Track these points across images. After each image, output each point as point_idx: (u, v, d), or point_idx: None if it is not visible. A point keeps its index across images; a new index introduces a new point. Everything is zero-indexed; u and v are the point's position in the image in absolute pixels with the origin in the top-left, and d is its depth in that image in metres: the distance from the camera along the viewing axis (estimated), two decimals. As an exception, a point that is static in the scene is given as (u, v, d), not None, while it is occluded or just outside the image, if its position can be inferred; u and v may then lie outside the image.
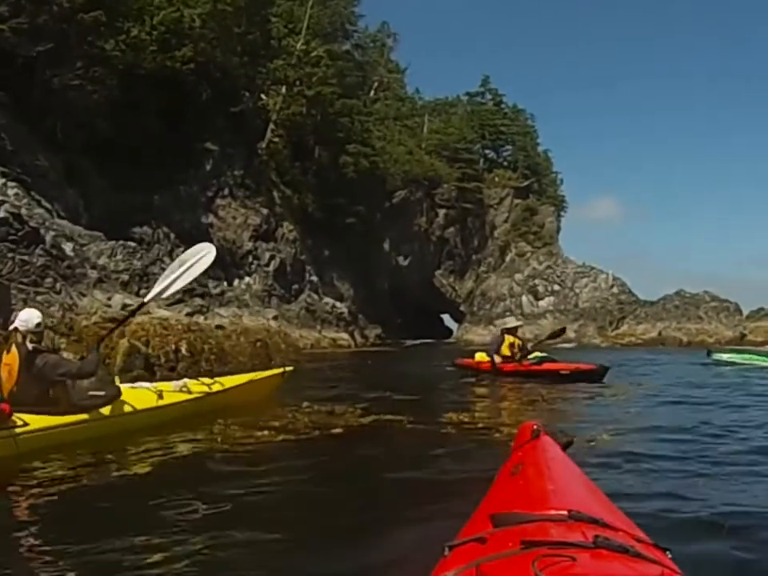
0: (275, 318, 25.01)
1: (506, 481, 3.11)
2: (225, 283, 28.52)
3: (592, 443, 7.03)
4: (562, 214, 67.33)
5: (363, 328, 44.55)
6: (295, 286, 37.88)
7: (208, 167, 33.07)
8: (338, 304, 41.03)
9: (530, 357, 15.80)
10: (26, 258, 14.93)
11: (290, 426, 7.94)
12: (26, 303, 14.45)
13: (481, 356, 16.72)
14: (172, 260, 26.39)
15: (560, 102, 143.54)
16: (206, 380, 9.15)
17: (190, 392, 8.48)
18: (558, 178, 69.55)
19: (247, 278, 33.57)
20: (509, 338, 15.93)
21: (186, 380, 8.75)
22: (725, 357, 23.06)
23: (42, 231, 16.25)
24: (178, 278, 8.33)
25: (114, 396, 7.51)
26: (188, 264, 8.41)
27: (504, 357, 15.79)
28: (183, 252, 26.24)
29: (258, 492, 5.24)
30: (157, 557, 3.84)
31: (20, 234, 15.12)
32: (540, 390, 13.08)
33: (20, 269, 14.69)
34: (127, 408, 7.57)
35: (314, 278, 40.18)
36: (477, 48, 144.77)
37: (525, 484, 2.94)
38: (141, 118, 27.21)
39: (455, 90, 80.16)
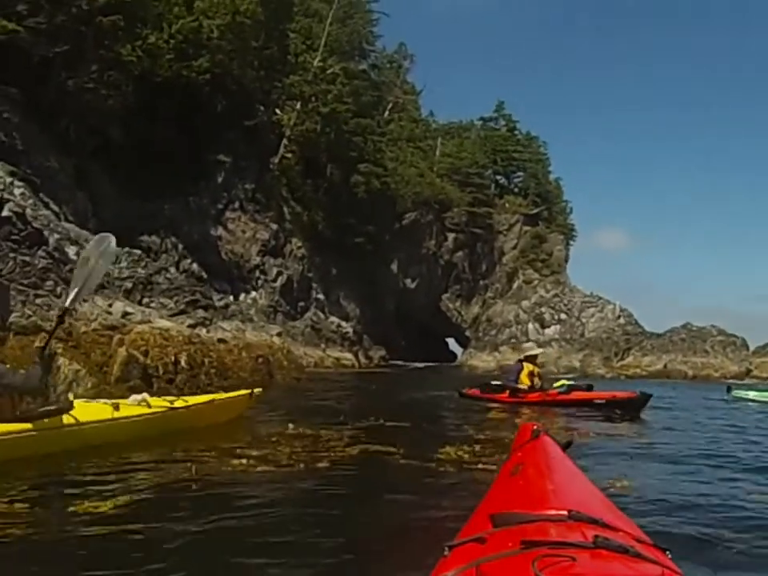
0: (279, 334, 24.47)
1: (506, 481, 3.11)
2: (228, 296, 27.99)
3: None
4: (571, 242, 66.88)
5: (367, 349, 44.03)
6: (301, 304, 37.41)
7: (219, 179, 32.68)
8: (343, 323, 40.57)
9: (555, 385, 14.70)
10: (27, 258, 14.46)
11: (269, 456, 7.10)
12: (24, 305, 13.97)
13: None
14: (179, 271, 26.41)
15: (570, 129, 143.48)
16: (169, 397, 8.62)
17: (149, 406, 7.83)
18: (568, 206, 69.16)
19: (253, 293, 33.10)
20: (528, 366, 14.78)
21: (145, 395, 8.14)
22: (748, 394, 21.30)
23: (46, 233, 15.78)
24: (89, 275, 7.73)
25: (65, 409, 6.85)
26: (94, 259, 7.75)
27: (523, 387, 14.59)
28: (191, 263, 25.82)
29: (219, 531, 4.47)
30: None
31: (23, 234, 14.65)
32: (564, 422, 11.89)
33: (21, 269, 14.21)
34: (77, 420, 6.82)
35: (321, 296, 39.72)
36: (491, 73, 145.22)
37: (525, 484, 2.95)
38: (154, 126, 26.91)
39: (469, 115, 79.98)
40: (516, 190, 66.36)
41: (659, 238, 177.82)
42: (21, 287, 14.05)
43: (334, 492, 5.76)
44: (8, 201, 14.77)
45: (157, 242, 27.29)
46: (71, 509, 4.86)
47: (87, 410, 7.11)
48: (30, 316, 13.80)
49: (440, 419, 13.26)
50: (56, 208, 20.10)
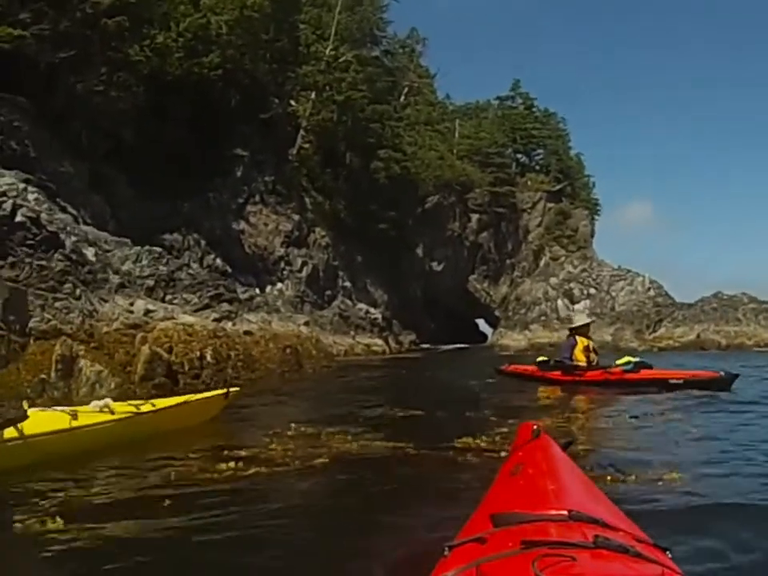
0: (306, 323, 24.11)
1: (506, 481, 3.10)
2: (254, 289, 27.68)
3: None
4: (596, 217, 65.94)
5: (397, 334, 43.65)
6: (328, 292, 37.08)
7: (238, 173, 32.32)
8: (371, 310, 40.19)
9: (618, 362, 12.82)
10: (44, 263, 14.18)
11: (261, 456, 6.49)
12: (43, 309, 13.72)
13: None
14: (202, 267, 26.11)
15: (590, 106, 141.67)
16: (135, 401, 7.99)
17: (112, 413, 7.18)
18: (591, 181, 68.20)
19: (279, 284, 32.78)
20: (582, 341, 13.07)
21: (108, 400, 7.45)
22: None
23: (63, 236, 15.50)
24: None
25: (17, 419, 6.25)
26: None
27: (578, 364, 12.90)
28: (214, 259, 25.50)
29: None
30: None
31: (38, 238, 14.37)
32: (638, 405, 10.35)
33: (38, 274, 13.94)
34: (31, 431, 6.23)
35: (347, 284, 39.36)
36: (506, 52, 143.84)
37: (525, 484, 2.93)
38: (168, 125, 26.56)
39: (485, 95, 79.12)
40: (537, 167, 65.59)
41: (686, 211, 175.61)
42: (39, 291, 13.79)
43: (329, 494, 5.29)
44: (21, 206, 14.47)
45: (179, 239, 27.00)
46: (17, 528, 4.33)
47: (42, 420, 6.53)
48: (49, 320, 13.55)
49: (468, 403, 11.77)
50: (73, 212, 19.82)
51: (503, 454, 5.77)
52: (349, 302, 38.45)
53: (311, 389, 15.18)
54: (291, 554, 3.79)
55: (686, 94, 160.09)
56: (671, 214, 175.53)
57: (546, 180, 63.03)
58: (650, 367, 12.95)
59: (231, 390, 9.21)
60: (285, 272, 33.92)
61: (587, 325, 13.69)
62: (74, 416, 6.74)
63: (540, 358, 14.52)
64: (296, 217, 35.36)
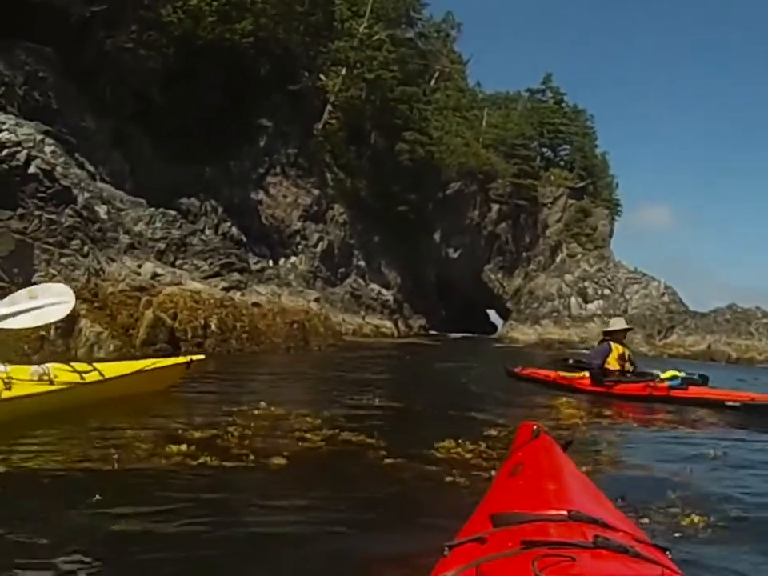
0: (317, 299, 23.69)
1: (506, 481, 3.05)
2: (267, 261, 27.33)
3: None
4: (616, 218, 65.14)
5: (407, 317, 43.31)
6: (342, 270, 36.76)
7: (261, 143, 31.96)
8: (383, 291, 39.83)
9: (664, 375, 11.00)
10: (53, 217, 13.83)
11: (216, 441, 5.73)
12: (48, 264, 13.39)
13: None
14: (216, 234, 25.77)
15: (616, 104, 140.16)
16: (80, 365, 7.03)
17: (52, 382, 6.38)
18: (614, 181, 67.33)
19: (293, 258, 32.47)
20: (617, 348, 11.53)
21: (49, 365, 6.56)
22: None
23: (76, 191, 15.14)
24: (21, 313, 6.47)
25: None
26: (39, 303, 6.62)
27: (612, 372, 11.34)
28: (230, 227, 25.06)
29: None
30: None
31: (50, 191, 14.02)
32: (673, 429, 8.74)
33: (47, 228, 13.59)
34: None
35: (362, 263, 39.01)
36: (540, 45, 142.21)
37: (525, 484, 2.88)
38: (197, 89, 26.17)
39: (516, 86, 78.21)
40: (562, 163, 64.73)
41: (703, 215, 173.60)
42: (46, 246, 13.46)
43: (285, 496, 4.54)
44: (35, 158, 14.10)
45: (196, 204, 26.77)
46: None
47: None
48: (53, 276, 13.19)
49: (467, 402, 10.40)
50: (91, 168, 19.53)
51: (485, 470, 5.21)
52: (361, 282, 38.11)
53: (307, 367, 14.49)
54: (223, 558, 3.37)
55: (705, 93, 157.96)
56: (689, 217, 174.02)
57: (570, 176, 62.21)
58: (700, 384, 11.18)
59: (194, 358, 8.51)
60: (300, 246, 33.61)
61: (624, 331, 12.11)
62: (8, 386, 6.00)
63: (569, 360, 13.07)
64: (316, 192, 34.98)
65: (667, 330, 49.36)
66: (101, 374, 7.05)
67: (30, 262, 13.21)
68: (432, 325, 46.74)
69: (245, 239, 27.60)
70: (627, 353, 11.61)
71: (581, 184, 61.92)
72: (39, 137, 16.03)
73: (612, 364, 11.39)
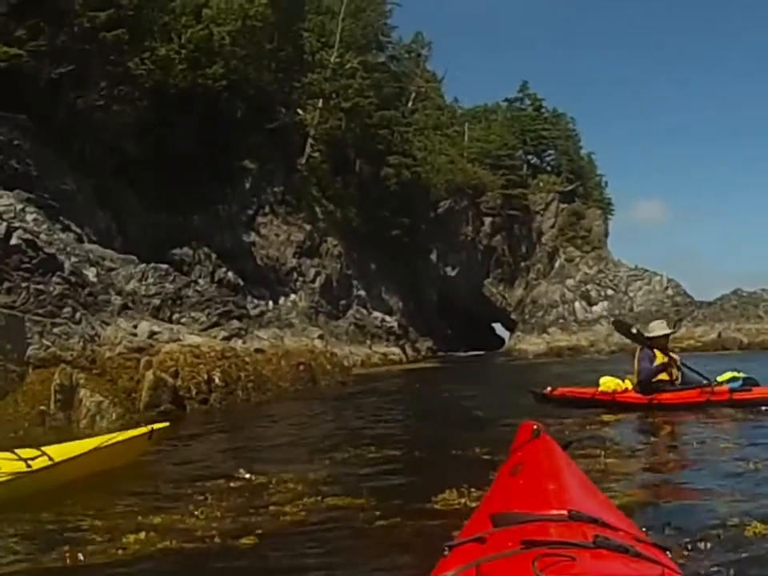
0: (321, 336, 23.26)
1: (506, 481, 3.04)
2: (264, 303, 26.89)
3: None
4: (609, 217, 64.80)
5: (414, 341, 42.84)
6: (343, 302, 36.30)
7: (247, 185, 31.61)
8: (387, 318, 39.40)
9: (721, 378, 10.04)
10: (41, 287, 13.36)
11: (179, 525, 5.12)
12: (41, 336, 12.91)
13: (611, 382, 10.98)
14: (213, 281, 25.33)
15: (597, 104, 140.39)
16: (26, 452, 6.50)
17: None
18: (603, 180, 67.11)
19: (293, 296, 32.03)
20: (660, 355, 10.49)
21: None
22: None
23: (62, 257, 14.68)
24: None
25: None
26: None
27: (659, 382, 10.27)
28: (226, 272, 24.62)
29: None
30: None
31: (34, 261, 13.55)
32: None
33: (35, 299, 13.12)
34: None
35: (362, 293, 38.58)
36: (512, 53, 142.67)
37: (525, 484, 2.87)
38: (174, 138, 25.89)
39: (493, 97, 77.99)
40: (549, 168, 64.57)
41: (698, 206, 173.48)
42: (36, 317, 12.99)
43: None
44: (17, 228, 13.67)
45: (189, 253, 26.40)
46: None
47: None
48: (48, 347, 12.75)
49: (474, 435, 8.90)
50: (77, 230, 19.13)
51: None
52: (364, 311, 37.68)
53: (306, 414, 13.73)
54: None
55: (692, 84, 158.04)
56: (683, 210, 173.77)
57: (558, 181, 61.99)
58: (758, 384, 10.13)
59: (156, 426, 7.83)
60: (298, 283, 33.18)
61: (666, 336, 11.07)
62: None
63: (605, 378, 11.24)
64: (307, 226, 34.60)
65: (675, 323, 48.66)
66: (50, 459, 6.43)
67: (23, 336, 12.75)
68: (439, 345, 46.25)
69: (242, 282, 27.23)
70: (676, 358, 10.67)
71: (570, 187, 61.69)
72: (20, 206, 15.66)
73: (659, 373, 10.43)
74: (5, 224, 13.47)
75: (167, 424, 8.23)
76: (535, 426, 3.23)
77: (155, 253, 21.41)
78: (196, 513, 5.43)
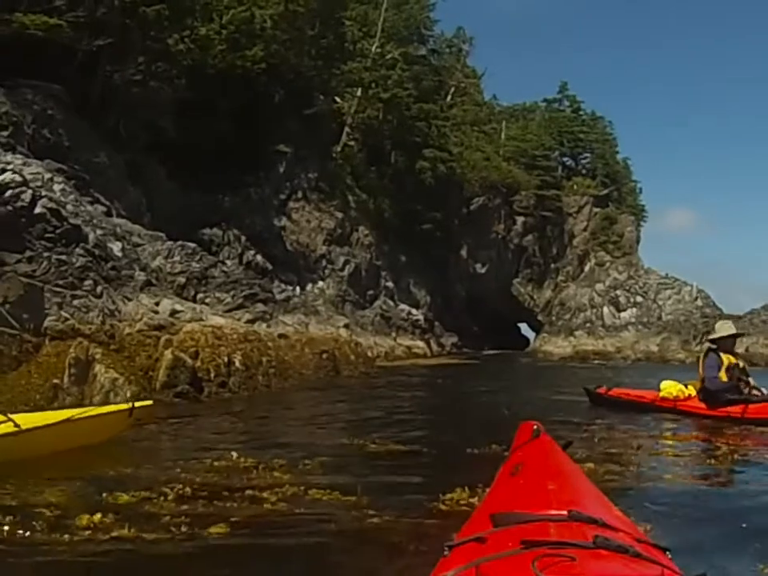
0: (346, 326, 22.70)
1: (506, 481, 3.00)
2: (292, 288, 26.36)
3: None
4: (642, 223, 63.73)
5: (439, 336, 42.18)
6: (370, 292, 35.75)
7: (281, 169, 31.09)
8: (413, 311, 38.78)
9: None
10: (63, 257, 12.93)
11: (146, 508, 4.55)
12: (60, 307, 12.47)
13: (673, 387, 10.08)
14: (241, 263, 24.88)
15: (635, 109, 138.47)
16: None
17: None
18: (638, 187, 65.99)
19: (320, 283, 31.53)
20: (727, 357, 9.55)
21: None
22: None
23: (87, 229, 14.25)
24: None
25: None
26: None
27: (725, 391, 9.25)
28: (255, 255, 24.22)
29: None
30: None
31: (58, 231, 13.13)
32: None
33: (56, 269, 12.69)
34: None
35: (390, 284, 37.99)
36: (553, 53, 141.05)
37: (525, 484, 2.84)
38: (211, 118, 25.37)
39: (532, 97, 76.95)
40: (584, 171, 63.48)
41: (730, 217, 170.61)
42: (56, 288, 12.55)
43: None
44: (41, 197, 13.22)
45: (219, 234, 25.95)
46: None
47: None
48: (66, 319, 12.30)
49: (495, 434, 7.45)
50: (107, 204, 18.70)
51: None
52: (391, 303, 37.10)
53: (322, 403, 13.28)
54: None
55: (728, 92, 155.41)
56: (714, 220, 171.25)
57: (593, 184, 60.92)
58: None
59: (138, 404, 7.35)
60: (326, 270, 32.69)
61: (734, 337, 10.14)
62: None
63: (666, 383, 10.37)
64: (339, 214, 34.07)
65: (703, 334, 47.26)
66: (15, 425, 5.87)
67: (41, 307, 12.31)
68: (464, 342, 45.56)
69: (270, 267, 26.75)
70: (742, 363, 9.70)
71: (604, 191, 60.64)
72: (48, 175, 15.23)
73: (722, 378, 9.47)
74: (30, 192, 13.04)
75: (150, 402, 7.85)
76: (535, 426, 3.21)
77: (184, 232, 20.95)
78: (168, 495, 4.89)
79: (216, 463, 6.07)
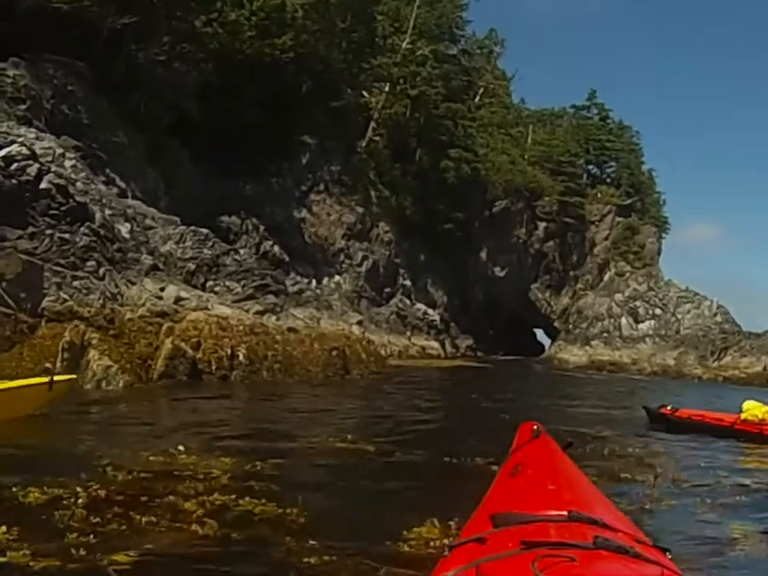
0: (359, 322, 21.91)
1: (506, 481, 2.94)
2: (307, 281, 25.60)
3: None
4: (664, 235, 62.46)
5: (454, 337, 41.37)
6: (387, 290, 35.00)
7: (304, 160, 30.39)
8: (430, 311, 37.97)
9: None
10: (66, 236, 12.27)
11: (54, 519, 3.72)
12: (60, 288, 11.79)
13: (758, 409, 9.04)
14: (257, 253, 24.16)
15: (662, 121, 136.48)
16: None
17: None
18: (661, 198, 64.68)
19: (337, 277, 30.83)
20: None
21: None
22: None
23: (95, 208, 13.58)
24: None
25: None
26: None
27: None
28: (272, 245, 23.42)
29: None
30: None
31: (63, 208, 12.45)
32: None
33: (58, 248, 12.04)
34: None
35: (407, 283, 37.20)
36: (584, 60, 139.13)
37: (525, 484, 2.80)
38: (236, 104, 24.69)
39: (560, 102, 75.73)
40: (608, 180, 62.27)
41: (752, 233, 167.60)
42: (57, 268, 11.89)
43: None
44: (48, 172, 12.53)
45: (237, 222, 25.35)
46: None
47: None
48: (65, 300, 11.62)
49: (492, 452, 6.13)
50: (122, 184, 18.10)
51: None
52: (407, 302, 36.31)
53: (317, 401, 12.20)
54: None
55: (757, 108, 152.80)
56: (736, 236, 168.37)
57: (617, 193, 59.71)
58: None
59: (58, 378, 6.81)
60: (344, 265, 31.96)
61: None
62: None
63: (749, 403, 9.23)
64: (360, 209, 33.30)
65: (721, 351, 46.24)
66: None
67: (39, 286, 11.63)
68: (479, 345, 44.68)
69: (287, 258, 26.07)
70: None
71: (628, 201, 59.46)
72: (59, 151, 14.58)
73: None
74: (36, 166, 12.36)
75: (74, 376, 7.11)
76: (535, 427, 3.13)
77: (202, 218, 20.30)
78: (80, 497, 4.00)
79: (152, 458, 5.31)
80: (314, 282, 27.61)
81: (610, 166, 63.18)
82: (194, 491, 4.39)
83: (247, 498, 4.22)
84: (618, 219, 58.70)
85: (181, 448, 5.64)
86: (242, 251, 19.67)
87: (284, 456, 6.01)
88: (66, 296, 11.63)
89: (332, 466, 6.12)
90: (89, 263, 12.30)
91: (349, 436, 7.34)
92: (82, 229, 12.57)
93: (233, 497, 4.30)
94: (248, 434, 7.72)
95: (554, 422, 10.27)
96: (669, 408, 10.16)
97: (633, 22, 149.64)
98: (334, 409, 11.38)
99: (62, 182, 12.76)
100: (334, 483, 5.48)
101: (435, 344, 36.11)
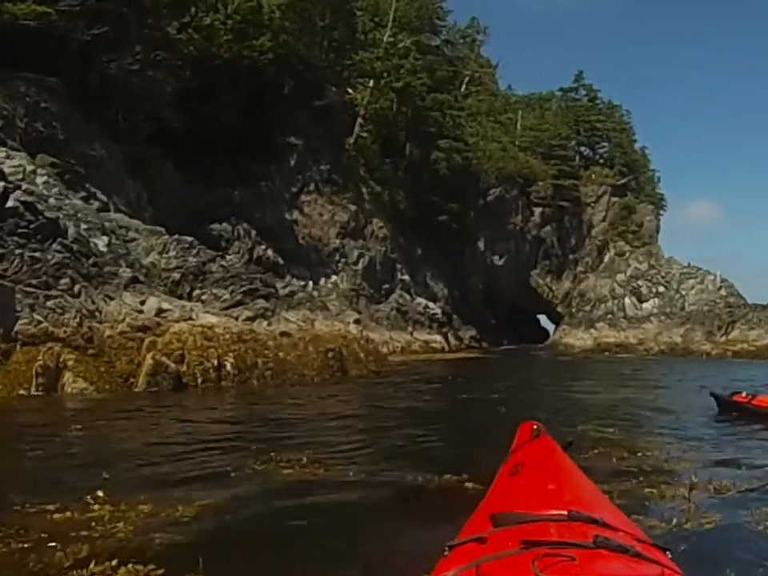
0: (357, 321, 21.28)
1: (506, 481, 2.91)
2: (301, 283, 24.93)
3: None
4: (661, 213, 61.75)
5: (457, 329, 40.71)
6: (385, 286, 34.36)
7: (292, 162, 29.77)
8: (430, 304, 37.31)
9: None
10: (37, 254, 11.67)
11: None
12: (33, 309, 11.18)
13: None
14: (251, 258, 23.57)
15: (659, 101, 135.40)
16: None
17: None
18: (656, 175, 63.94)
19: (334, 277, 30.21)
20: None
21: None
22: None
23: (67, 223, 12.99)
24: None
25: None
26: None
27: None
28: (266, 249, 22.75)
29: None
30: None
31: (32, 226, 11.86)
32: None
33: (29, 268, 11.44)
34: None
35: (406, 278, 36.55)
36: (569, 43, 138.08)
37: (525, 484, 2.77)
38: (218, 110, 24.07)
39: (548, 86, 74.96)
40: (601, 160, 61.59)
41: (751, 209, 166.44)
42: (29, 289, 11.29)
43: None
44: (14, 190, 11.93)
45: (228, 229, 24.75)
46: None
47: None
48: (39, 322, 11.03)
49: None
50: (103, 198, 17.51)
51: None
52: (407, 296, 35.66)
53: (298, 409, 10.91)
54: None
55: (751, 87, 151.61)
56: (736, 213, 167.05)
57: (611, 173, 58.99)
58: None
59: None
60: (340, 264, 31.34)
61: None
62: None
63: None
64: (352, 207, 32.67)
65: (728, 325, 45.06)
66: None
67: (12, 309, 11.04)
68: (482, 335, 44.03)
69: (282, 261, 25.48)
70: None
71: (622, 180, 58.79)
72: (30, 168, 14.01)
73: None
74: (2, 184, 11.76)
75: None
76: (535, 426, 3.09)
77: (191, 226, 19.71)
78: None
79: (57, 515, 4.26)
80: (310, 283, 27.02)
81: (602, 147, 62.56)
82: (72, 559, 3.45)
83: (130, 566, 3.29)
84: (614, 199, 58.06)
85: (100, 494, 4.63)
86: (228, 257, 19.05)
87: (214, 495, 4.86)
88: (40, 317, 11.05)
89: (278, 510, 4.78)
90: (62, 281, 11.71)
91: (304, 458, 6.03)
92: (53, 245, 11.99)
93: (113, 563, 3.38)
94: (190, 462, 6.35)
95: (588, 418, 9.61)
96: (744, 395, 8.93)
97: (628, 21, 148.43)
98: (307, 418, 9.94)
99: (30, 198, 12.18)
100: (264, 534, 4.25)
101: (438, 337, 35.49)
